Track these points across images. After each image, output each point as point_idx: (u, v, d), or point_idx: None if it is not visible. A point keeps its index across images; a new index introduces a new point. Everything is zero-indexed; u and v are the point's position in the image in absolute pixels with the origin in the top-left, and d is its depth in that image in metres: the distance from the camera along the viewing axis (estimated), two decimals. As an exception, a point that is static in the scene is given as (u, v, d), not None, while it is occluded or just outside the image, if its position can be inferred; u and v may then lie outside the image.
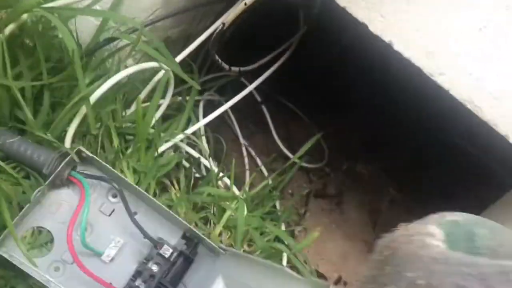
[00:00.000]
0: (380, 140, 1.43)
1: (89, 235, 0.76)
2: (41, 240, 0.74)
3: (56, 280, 0.74)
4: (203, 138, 1.00)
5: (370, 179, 1.43)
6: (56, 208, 0.75)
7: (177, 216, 0.77)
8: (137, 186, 0.75)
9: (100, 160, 0.73)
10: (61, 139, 0.76)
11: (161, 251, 0.75)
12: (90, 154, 0.72)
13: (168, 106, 0.90)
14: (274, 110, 1.31)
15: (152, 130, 0.84)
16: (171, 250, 0.75)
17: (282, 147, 1.25)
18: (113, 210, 0.78)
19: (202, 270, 0.80)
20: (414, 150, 1.41)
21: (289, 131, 1.37)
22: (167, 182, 0.88)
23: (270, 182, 0.98)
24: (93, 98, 0.76)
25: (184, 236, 0.78)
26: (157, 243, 0.75)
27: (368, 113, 1.38)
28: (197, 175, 0.96)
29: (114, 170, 0.74)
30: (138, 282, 0.75)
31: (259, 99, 1.28)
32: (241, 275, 0.71)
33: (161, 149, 0.86)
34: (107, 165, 0.73)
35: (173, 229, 0.80)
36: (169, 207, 0.86)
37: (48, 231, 0.75)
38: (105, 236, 0.77)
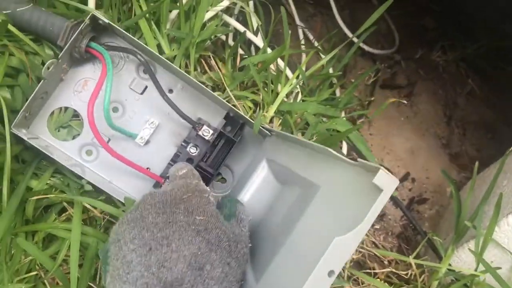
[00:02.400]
0: (459, 25, 1.24)
1: (120, 116, 0.68)
2: (69, 121, 0.67)
3: (89, 165, 0.67)
4: (251, 7, 0.86)
5: (446, 69, 1.26)
6: (82, 87, 0.67)
7: (215, 94, 0.66)
8: (165, 58, 0.65)
9: (120, 28, 0.62)
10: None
11: (200, 132, 0.66)
12: (107, 20, 0.61)
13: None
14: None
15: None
16: (211, 131, 0.66)
17: (345, 29, 1.10)
18: (146, 88, 0.69)
19: (246, 153, 0.71)
20: (499, 37, 1.21)
21: (354, 15, 1.20)
22: (210, 60, 0.77)
23: (327, 61, 0.84)
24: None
25: (227, 117, 0.69)
26: (196, 124, 0.66)
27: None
28: (245, 56, 0.85)
29: (137, 39, 0.63)
30: (176, 166, 0.67)
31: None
32: (285, 159, 0.61)
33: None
34: (129, 34, 0.63)
35: (215, 110, 0.70)
36: (213, 89, 0.76)
37: (75, 111, 0.67)
38: (139, 117, 0.69)
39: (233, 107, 0.67)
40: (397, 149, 1.05)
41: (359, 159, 0.42)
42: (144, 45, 0.63)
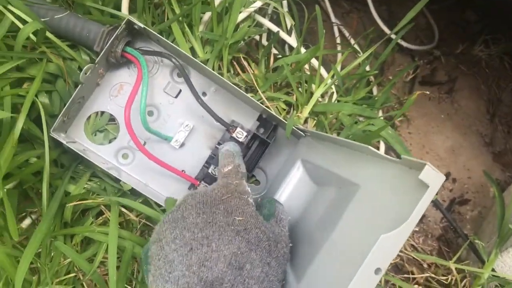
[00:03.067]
0: (503, 17, 1.19)
1: (155, 119, 0.69)
2: (105, 125, 0.68)
3: (125, 168, 0.68)
4: (285, 6, 0.85)
5: (489, 63, 1.22)
6: (118, 91, 0.68)
7: (249, 96, 0.66)
8: (200, 62, 0.65)
9: (154, 32, 0.62)
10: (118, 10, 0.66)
11: (234, 135, 0.66)
12: (142, 25, 0.61)
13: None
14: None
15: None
16: (245, 133, 0.66)
17: (382, 25, 1.07)
18: (180, 91, 0.69)
19: (280, 155, 0.71)
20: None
21: (392, 10, 1.17)
22: (243, 62, 0.77)
23: (364, 59, 0.82)
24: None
25: (260, 119, 0.68)
26: (229, 126, 0.66)
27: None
28: (279, 56, 0.84)
29: (172, 43, 0.63)
30: (211, 168, 0.67)
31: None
32: (321, 159, 0.60)
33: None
34: (163, 38, 0.63)
35: (248, 111, 0.70)
36: (246, 90, 0.76)
37: (111, 115, 0.68)
38: (173, 120, 0.69)
39: (267, 109, 0.66)
40: (437, 148, 1.02)
41: (403, 156, 0.41)
42: (179, 49, 0.64)
